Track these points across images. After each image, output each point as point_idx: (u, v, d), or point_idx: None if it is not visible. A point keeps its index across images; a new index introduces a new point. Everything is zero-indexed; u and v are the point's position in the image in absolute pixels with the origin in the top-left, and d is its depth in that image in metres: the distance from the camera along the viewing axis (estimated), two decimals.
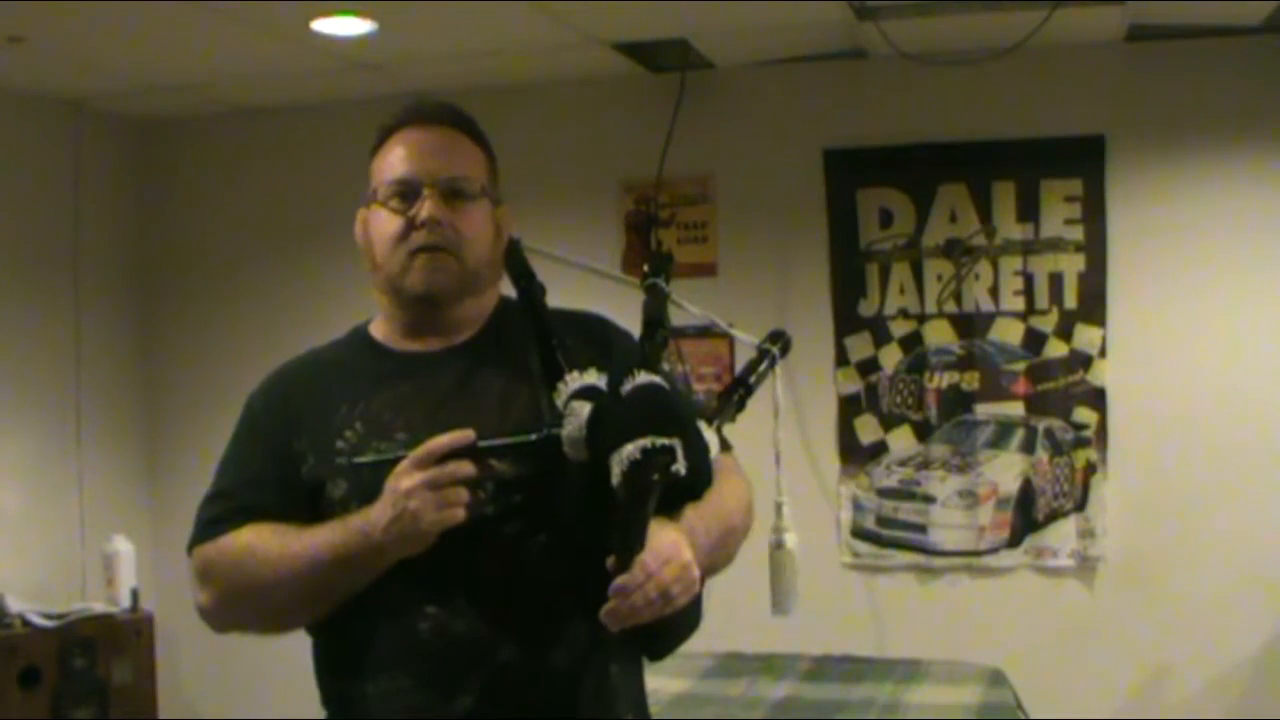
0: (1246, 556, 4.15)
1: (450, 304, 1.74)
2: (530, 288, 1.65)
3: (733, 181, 4.62)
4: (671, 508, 1.55)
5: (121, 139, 5.10)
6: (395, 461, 1.56)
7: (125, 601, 4.57)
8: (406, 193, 1.71)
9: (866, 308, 4.47)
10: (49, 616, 4.31)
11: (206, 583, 1.69)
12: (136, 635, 4.53)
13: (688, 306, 2.75)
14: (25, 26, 3.81)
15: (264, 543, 1.63)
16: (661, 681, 3.50)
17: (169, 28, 3.89)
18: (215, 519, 1.70)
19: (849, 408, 4.49)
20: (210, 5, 3.66)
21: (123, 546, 4.64)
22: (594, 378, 1.57)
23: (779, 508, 3.50)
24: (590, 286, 3.57)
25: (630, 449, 1.46)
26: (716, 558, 1.66)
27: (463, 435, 1.53)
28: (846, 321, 4.49)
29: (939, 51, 4.16)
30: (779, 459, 3.54)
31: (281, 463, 1.69)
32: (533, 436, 1.56)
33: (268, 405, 1.77)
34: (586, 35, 4.15)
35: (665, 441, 1.47)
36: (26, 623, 4.26)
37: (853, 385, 4.49)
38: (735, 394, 1.65)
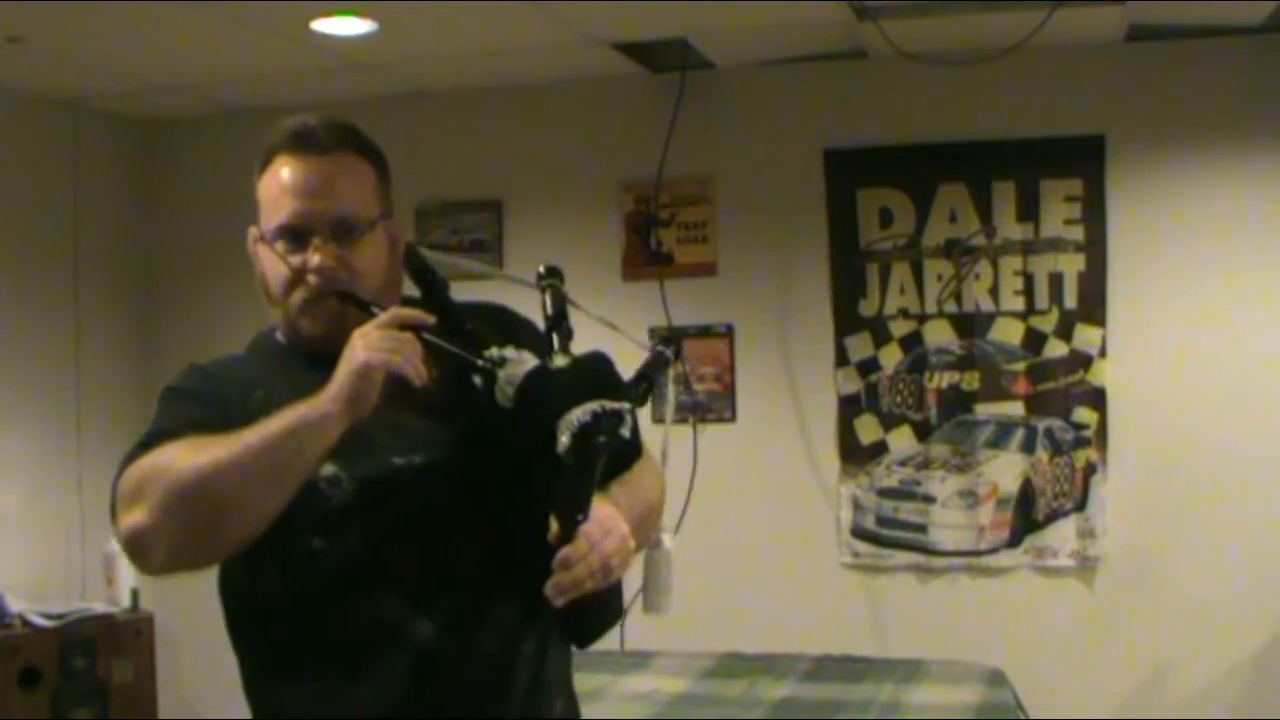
0: (1246, 556, 4.15)
1: (347, 337, 1.63)
2: (433, 282, 1.63)
3: (733, 181, 4.62)
4: (599, 482, 1.54)
5: (121, 139, 5.10)
6: None
7: (125, 601, 4.58)
8: (294, 237, 1.65)
9: (866, 308, 4.47)
10: (49, 616, 4.31)
11: (140, 494, 1.50)
12: (136, 635, 4.53)
13: (585, 309, 2.65)
14: (25, 26, 3.82)
15: (207, 437, 1.53)
16: (661, 681, 3.50)
17: (169, 28, 3.89)
18: (147, 442, 1.58)
19: (849, 408, 4.49)
20: (210, 5, 3.67)
21: None
22: (513, 353, 1.56)
23: None
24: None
25: (579, 412, 1.47)
26: (638, 535, 1.64)
27: (422, 315, 1.55)
28: (846, 321, 4.49)
29: (939, 51, 4.16)
30: (665, 454, 3.45)
31: (214, 423, 1.59)
32: (481, 361, 1.55)
33: (190, 383, 1.72)
34: (586, 35, 4.16)
35: (615, 406, 1.49)
36: (26, 623, 4.26)
37: (853, 385, 4.49)
38: (639, 386, 1.68)
